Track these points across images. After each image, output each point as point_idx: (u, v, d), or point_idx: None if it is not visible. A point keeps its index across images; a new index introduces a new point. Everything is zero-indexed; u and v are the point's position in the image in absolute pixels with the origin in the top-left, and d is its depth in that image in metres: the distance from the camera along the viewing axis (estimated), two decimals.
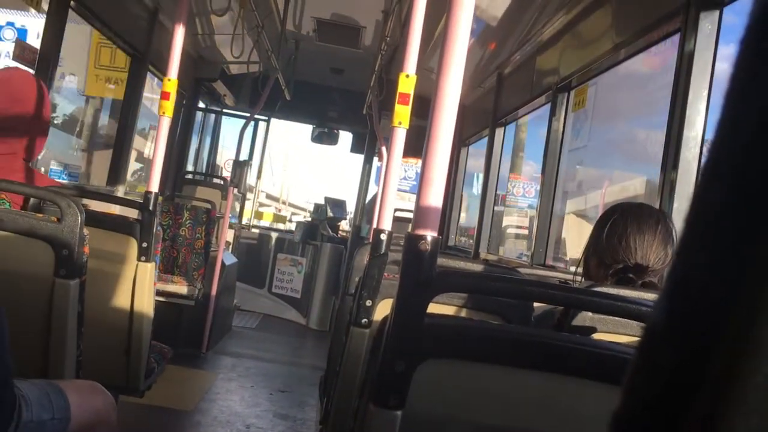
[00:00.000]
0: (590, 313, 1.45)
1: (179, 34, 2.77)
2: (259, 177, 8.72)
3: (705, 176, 0.25)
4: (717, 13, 2.36)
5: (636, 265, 1.66)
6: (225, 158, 11.01)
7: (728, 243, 0.23)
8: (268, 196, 27.46)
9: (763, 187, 0.22)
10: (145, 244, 2.47)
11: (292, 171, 27.84)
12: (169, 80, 2.69)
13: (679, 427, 0.23)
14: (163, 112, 2.68)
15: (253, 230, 8.09)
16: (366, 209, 7.40)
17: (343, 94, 7.44)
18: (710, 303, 0.23)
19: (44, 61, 3.50)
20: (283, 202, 23.50)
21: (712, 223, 0.24)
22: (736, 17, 2.42)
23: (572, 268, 2.09)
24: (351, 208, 8.22)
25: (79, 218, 1.93)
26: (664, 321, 0.24)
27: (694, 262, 0.24)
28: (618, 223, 1.71)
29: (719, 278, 0.23)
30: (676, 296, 0.24)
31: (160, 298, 4.63)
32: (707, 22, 2.35)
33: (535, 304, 1.78)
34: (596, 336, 1.43)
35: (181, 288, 4.83)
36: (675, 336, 0.24)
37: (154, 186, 2.59)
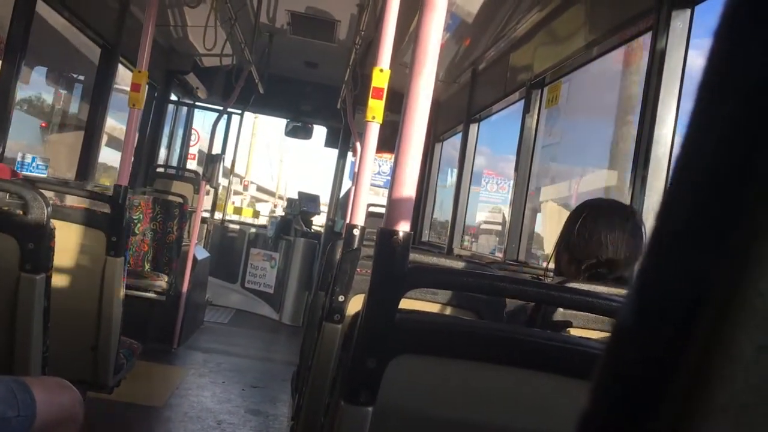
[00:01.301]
0: (562, 309, 1.46)
1: (150, 24, 2.73)
2: (231, 171, 8.63)
3: (675, 173, 0.24)
4: (688, 12, 2.38)
5: (607, 261, 1.68)
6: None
7: (699, 240, 0.23)
8: (263, 190, 26.99)
9: (735, 184, 0.22)
10: (114, 239, 2.43)
11: (288, 164, 27.44)
12: (139, 72, 2.65)
13: (647, 427, 0.23)
14: (133, 105, 2.64)
15: (227, 225, 8.03)
16: (340, 204, 7.38)
17: (318, 88, 7.40)
18: (680, 301, 0.23)
19: (12, 50, 3.43)
20: (280, 197, 23.13)
21: (682, 220, 0.23)
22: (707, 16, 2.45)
23: (544, 264, 2.11)
24: (326, 202, 8.19)
25: (46, 211, 1.89)
26: (633, 319, 0.24)
27: (663, 259, 0.24)
28: (588, 219, 1.72)
29: (689, 276, 0.23)
30: (645, 294, 0.24)
31: (131, 293, 4.58)
32: (679, 21, 2.37)
33: (508, 300, 1.79)
34: (569, 331, 1.44)
35: (151, 283, 4.77)
36: (644, 334, 0.23)
37: (124, 179, 2.55)
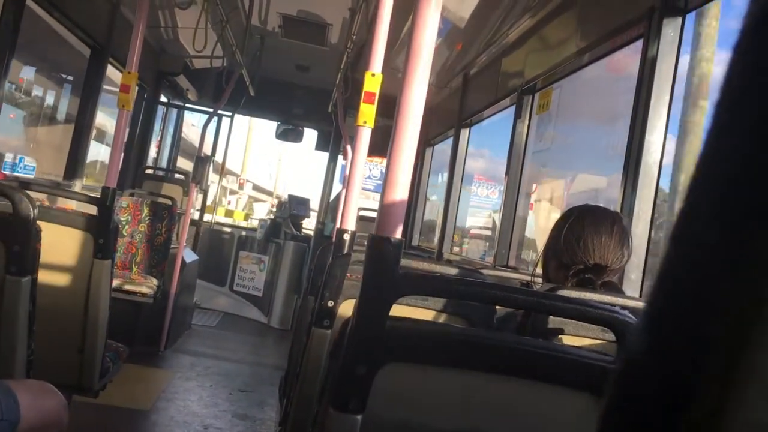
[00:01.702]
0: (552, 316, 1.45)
1: (140, 25, 2.71)
2: (222, 174, 8.59)
3: (690, 198, 0.23)
4: (680, 20, 2.39)
5: (595, 266, 1.69)
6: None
7: (717, 269, 0.21)
8: (260, 189, 26.49)
9: (752, 213, 0.21)
10: (101, 241, 2.41)
11: (287, 164, 26.88)
12: (129, 73, 2.62)
13: None
14: (122, 106, 2.62)
15: (216, 227, 7.99)
16: (330, 207, 7.36)
17: (309, 91, 7.38)
18: (695, 335, 0.21)
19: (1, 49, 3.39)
20: (278, 197, 22.40)
21: (700, 248, 0.22)
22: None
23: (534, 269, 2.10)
24: (316, 206, 8.17)
25: (32, 213, 1.87)
26: (644, 353, 0.23)
27: (678, 291, 0.22)
28: (575, 225, 1.73)
29: (704, 309, 0.21)
30: (657, 326, 0.23)
31: (118, 296, 4.54)
32: (670, 29, 2.38)
33: (499, 307, 1.78)
34: (561, 338, 1.44)
35: (139, 285, 4.73)
36: (656, 369, 0.22)
37: (112, 181, 2.53)
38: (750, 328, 0.20)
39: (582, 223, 1.73)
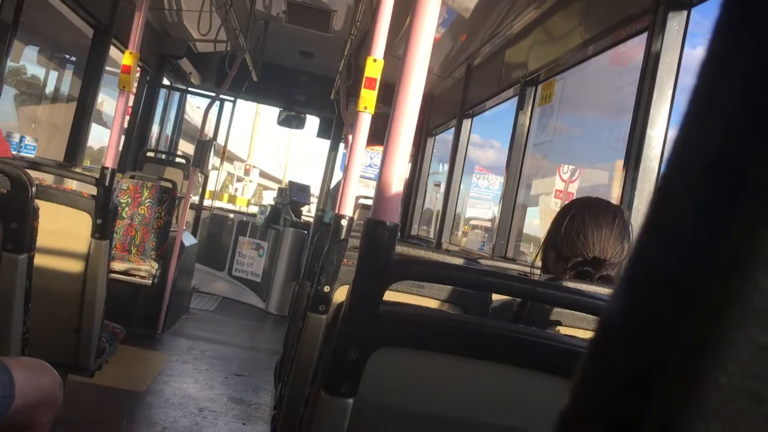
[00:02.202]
0: (548, 306, 1.45)
1: (143, 6, 2.70)
2: (223, 158, 8.58)
3: (669, 167, 0.23)
4: (685, 13, 2.38)
5: (594, 259, 1.68)
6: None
7: (694, 234, 0.21)
8: (267, 176, 25.68)
9: (732, 172, 0.21)
10: (100, 221, 2.41)
11: (296, 150, 26.36)
12: (130, 53, 2.61)
13: (635, 428, 0.22)
14: (123, 86, 2.61)
15: (216, 212, 7.99)
16: (330, 195, 7.35)
17: (312, 77, 7.36)
18: (671, 298, 0.22)
19: (2, 29, 3.38)
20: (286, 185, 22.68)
21: (676, 212, 0.22)
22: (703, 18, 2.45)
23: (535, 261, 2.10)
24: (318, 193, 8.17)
25: (30, 191, 1.87)
26: (620, 315, 0.23)
27: (654, 255, 0.23)
28: (576, 217, 1.72)
29: (683, 271, 0.22)
30: (634, 290, 0.23)
31: (116, 277, 4.55)
32: (675, 22, 2.37)
33: (495, 296, 1.78)
34: (559, 330, 1.44)
35: (137, 267, 4.74)
36: (632, 332, 0.22)
37: (111, 161, 2.52)
38: (731, 288, 0.20)
39: (583, 216, 1.71)
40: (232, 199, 15.94)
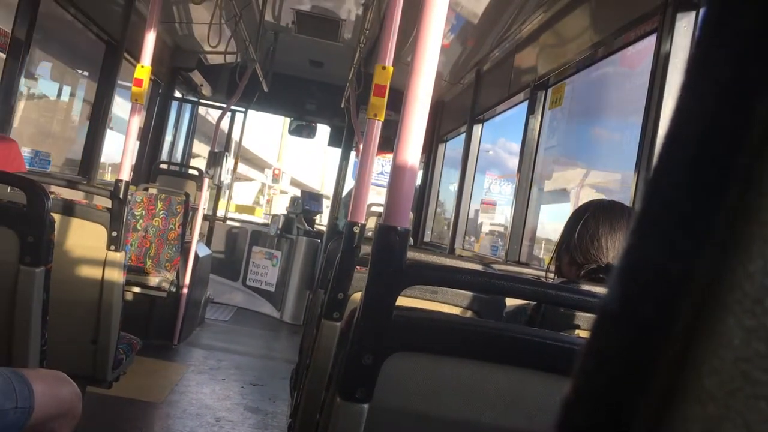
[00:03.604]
0: (562, 309, 1.45)
1: (154, 19, 2.73)
2: (235, 169, 8.63)
3: (658, 160, 0.24)
4: (693, 14, 2.37)
5: (608, 266, 1.66)
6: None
7: (685, 220, 0.22)
8: (301, 185, 25.18)
9: (722, 162, 0.21)
10: (114, 233, 2.43)
11: (332, 160, 24.89)
12: (142, 66, 2.64)
13: (632, 413, 0.23)
14: (135, 99, 2.64)
15: (229, 222, 8.03)
16: (343, 203, 7.37)
17: (322, 87, 7.40)
18: (664, 283, 0.22)
19: (16, 45, 3.43)
20: (325, 196, 20.72)
21: (667, 200, 0.23)
22: None
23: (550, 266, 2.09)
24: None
25: (46, 204, 1.89)
26: (616, 304, 0.23)
27: (647, 240, 0.23)
28: (590, 222, 1.68)
29: (674, 257, 0.22)
30: (628, 276, 0.23)
31: (132, 289, 4.59)
32: (683, 23, 2.37)
33: (509, 302, 1.78)
34: (570, 332, 1.44)
35: (153, 279, 4.78)
36: (628, 319, 0.23)
37: (125, 174, 2.55)
38: (722, 273, 0.21)
39: (597, 221, 1.68)
40: (251, 210, 15.45)
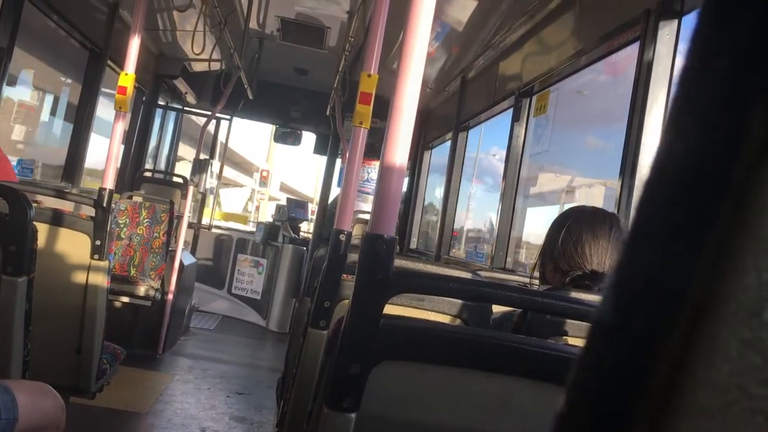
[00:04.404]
0: (548, 316, 1.45)
1: (138, 27, 2.72)
2: (220, 175, 8.59)
3: (651, 173, 0.24)
4: (676, 22, 2.40)
5: (592, 272, 1.66)
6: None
7: (680, 232, 0.22)
8: (289, 190, 22.98)
9: (715, 175, 0.21)
10: (98, 242, 2.41)
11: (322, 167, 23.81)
12: (126, 74, 2.63)
13: (626, 426, 0.22)
14: (119, 107, 2.62)
15: (214, 230, 7.99)
16: (328, 210, 7.36)
17: (307, 94, 7.39)
18: (660, 295, 0.22)
19: None
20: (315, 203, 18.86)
21: (662, 213, 0.23)
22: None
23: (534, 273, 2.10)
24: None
25: (29, 213, 1.87)
26: (610, 314, 0.23)
27: (642, 252, 0.23)
28: (573, 229, 1.69)
29: (670, 269, 0.22)
30: (623, 288, 0.23)
31: (116, 298, 4.55)
32: (666, 31, 2.39)
33: (495, 308, 1.78)
34: (556, 339, 1.44)
35: (137, 288, 4.74)
36: (621, 330, 0.23)
37: (109, 183, 2.53)
38: (717, 284, 0.21)
39: (579, 228, 1.68)
40: (242, 219, 14.81)
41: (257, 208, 18.98)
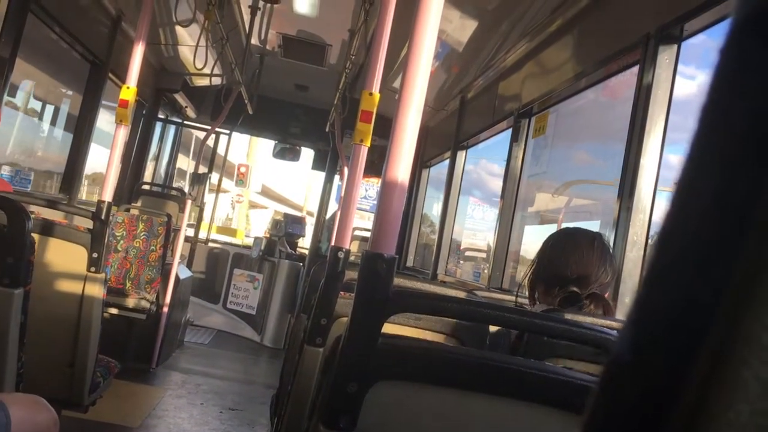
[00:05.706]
0: (545, 338, 1.45)
1: (141, 41, 2.73)
2: (217, 192, 8.59)
3: (671, 209, 0.24)
4: (675, 47, 2.41)
5: (577, 278, 1.72)
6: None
7: (701, 270, 0.22)
8: (271, 195, 21.74)
9: (738, 213, 0.21)
10: (95, 255, 2.40)
11: (316, 178, 22.12)
12: (127, 88, 2.64)
13: None
14: (120, 120, 2.62)
15: (210, 244, 7.97)
16: (326, 226, 7.35)
17: (307, 110, 7.41)
18: (680, 334, 0.22)
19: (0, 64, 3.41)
20: (309, 213, 17.42)
21: (683, 249, 0.23)
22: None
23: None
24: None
25: (27, 225, 1.87)
26: (629, 352, 0.23)
27: (663, 290, 0.23)
28: (556, 245, 1.80)
29: (690, 308, 0.22)
30: (643, 325, 0.23)
31: (112, 311, 4.52)
32: (665, 56, 2.41)
33: (491, 326, 1.78)
34: (552, 360, 1.44)
35: (132, 301, 4.72)
36: (641, 370, 0.23)
37: (108, 195, 2.53)
38: (738, 324, 0.21)
39: (562, 242, 1.81)
40: (231, 231, 14.57)
41: (240, 212, 17.68)
